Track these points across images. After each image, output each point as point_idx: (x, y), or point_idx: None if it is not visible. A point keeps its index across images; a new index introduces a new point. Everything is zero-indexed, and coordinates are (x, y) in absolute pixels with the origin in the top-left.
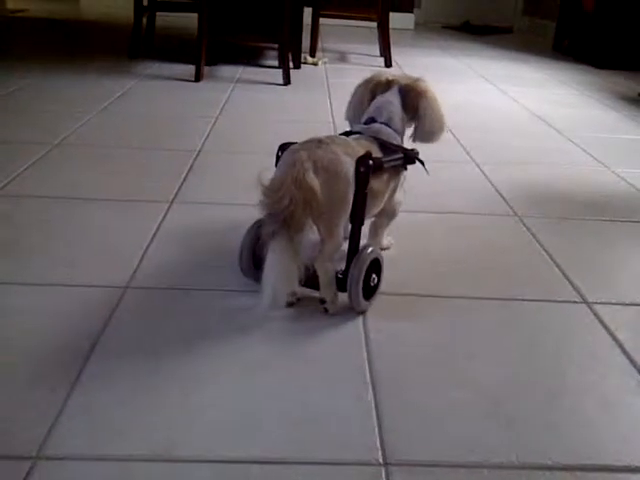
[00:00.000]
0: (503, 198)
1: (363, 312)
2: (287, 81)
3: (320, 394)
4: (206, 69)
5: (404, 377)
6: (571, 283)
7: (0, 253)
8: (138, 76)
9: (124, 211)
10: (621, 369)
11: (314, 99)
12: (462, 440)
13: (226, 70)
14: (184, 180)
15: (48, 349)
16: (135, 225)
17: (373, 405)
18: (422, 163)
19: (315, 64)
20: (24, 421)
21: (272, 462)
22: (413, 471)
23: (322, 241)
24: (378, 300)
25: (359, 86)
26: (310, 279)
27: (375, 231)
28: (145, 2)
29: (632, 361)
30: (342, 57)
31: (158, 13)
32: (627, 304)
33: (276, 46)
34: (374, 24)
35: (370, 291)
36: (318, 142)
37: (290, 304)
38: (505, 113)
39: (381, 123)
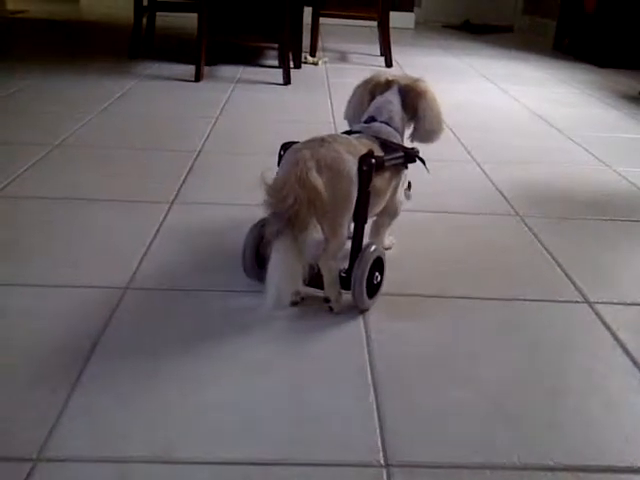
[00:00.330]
0: (504, 197)
1: (366, 310)
2: (287, 81)
3: (321, 395)
4: (206, 69)
5: (406, 377)
6: (573, 283)
7: (0, 254)
8: (138, 76)
9: (124, 212)
10: (623, 369)
11: (314, 99)
12: (464, 441)
13: (226, 70)
14: (184, 180)
15: (49, 350)
16: (135, 226)
17: (374, 406)
18: (423, 162)
19: (315, 64)
20: (24, 422)
21: (272, 463)
22: (414, 472)
23: (326, 240)
24: (380, 300)
25: (358, 86)
26: (314, 278)
27: (377, 230)
28: (145, 2)
29: (634, 361)
30: (342, 57)
31: (158, 13)
32: (629, 304)
33: (276, 46)
34: (374, 23)
35: (373, 289)
36: (321, 141)
37: (294, 303)
38: (506, 112)
39: (381, 122)
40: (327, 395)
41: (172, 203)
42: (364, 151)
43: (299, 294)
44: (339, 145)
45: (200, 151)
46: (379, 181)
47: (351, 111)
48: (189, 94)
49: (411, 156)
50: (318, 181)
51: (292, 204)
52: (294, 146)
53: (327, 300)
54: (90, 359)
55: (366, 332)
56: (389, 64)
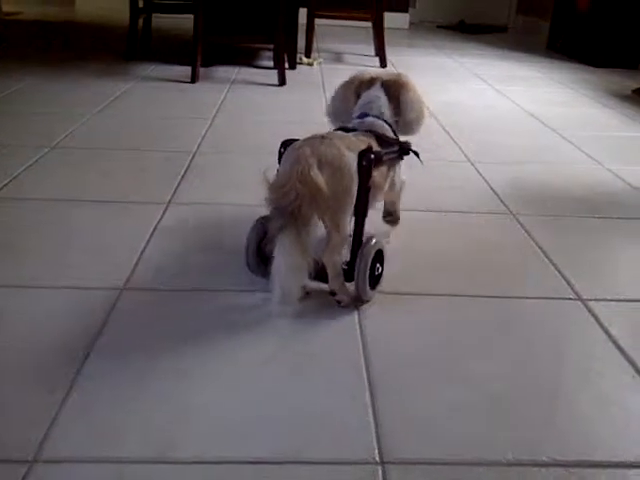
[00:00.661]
0: (498, 196)
1: (368, 300)
2: (282, 82)
3: (316, 393)
4: (202, 70)
5: (401, 375)
6: (566, 280)
7: None
8: (134, 78)
9: (120, 213)
10: (615, 365)
11: (310, 99)
12: (458, 438)
13: (222, 71)
14: (181, 181)
15: (45, 351)
16: (132, 226)
17: (370, 404)
18: (416, 154)
19: (310, 64)
20: (21, 424)
21: (268, 462)
22: (410, 469)
23: (329, 235)
24: (374, 299)
25: (341, 86)
26: (318, 272)
27: (391, 205)
28: (141, 4)
29: (626, 357)
30: (337, 57)
31: (154, 14)
32: (621, 300)
33: (271, 47)
34: (369, 24)
35: (375, 280)
36: (321, 138)
37: (301, 298)
38: (500, 112)
39: (373, 117)
40: (323, 393)
41: (168, 203)
42: (363, 147)
43: (305, 288)
44: (339, 142)
45: (196, 152)
46: (377, 175)
47: (333, 109)
48: (185, 95)
49: (405, 148)
50: (319, 177)
51: (294, 200)
52: (294, 144)
53: (333, 293)
54: (87, 360)
55: (361, 330)
56: (384, 64)
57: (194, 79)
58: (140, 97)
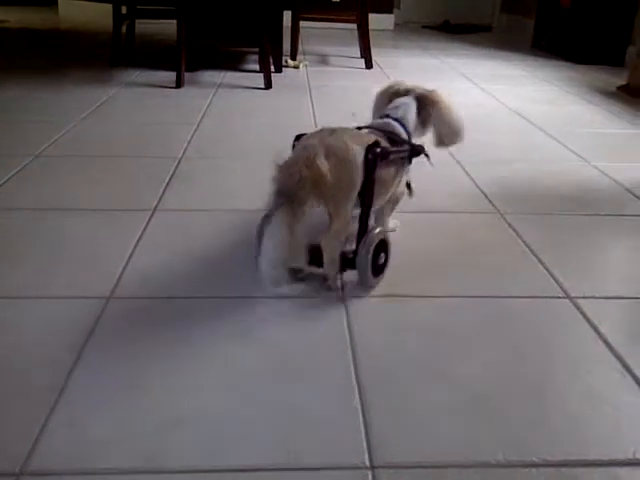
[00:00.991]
0: (485, 196)
1: (371, 288)
2: (269, 85)
3: (305, 398)
4: (187, 75)
5: (390, 378)
6: (554, 279)
7: None
8: (119, 84)
9: (106, 220)
10: (605, 363)
11: (296, 102)
12: (448, 440)
13: (207, 75)
14: (166, 187)
15: (32, 362)
16: (117, 234)
17: (359, 407)
18: (427, 156)
19: (296, 67)
20: (7, 436)
21: (258, 469)
22: (400, 473)
23: (330, 219)
24: (363, 300)
25: (379, 93)
26: (316, 258)
27: (381, 216)
28: (124, 10)
29: (616, 354)
30: (323, 59)
31: (137, 20)
32: (609, 297)
33: (257, 50)
34: (354, 26)
35: (378, 269)
36: (331, 131)
37: (299, 279)
38: (486, 111)
39: (394, 119)
40: (311, 397)
41: (154, 210)
42: (371, 142)
43: (298, 274)
44: (347, 136)
45: (182, 157)
46: (385, 173)
47: (372, 113)
48: (170, 100)
49: (416, 150)
50: (324, 165)
51: (297, 182)
52: (306, 135)
53: (326, 278)
54: (73, 370)
55: (350, 333)
56: (369, 66)
57: (179, 84)
58: (125, 103)
